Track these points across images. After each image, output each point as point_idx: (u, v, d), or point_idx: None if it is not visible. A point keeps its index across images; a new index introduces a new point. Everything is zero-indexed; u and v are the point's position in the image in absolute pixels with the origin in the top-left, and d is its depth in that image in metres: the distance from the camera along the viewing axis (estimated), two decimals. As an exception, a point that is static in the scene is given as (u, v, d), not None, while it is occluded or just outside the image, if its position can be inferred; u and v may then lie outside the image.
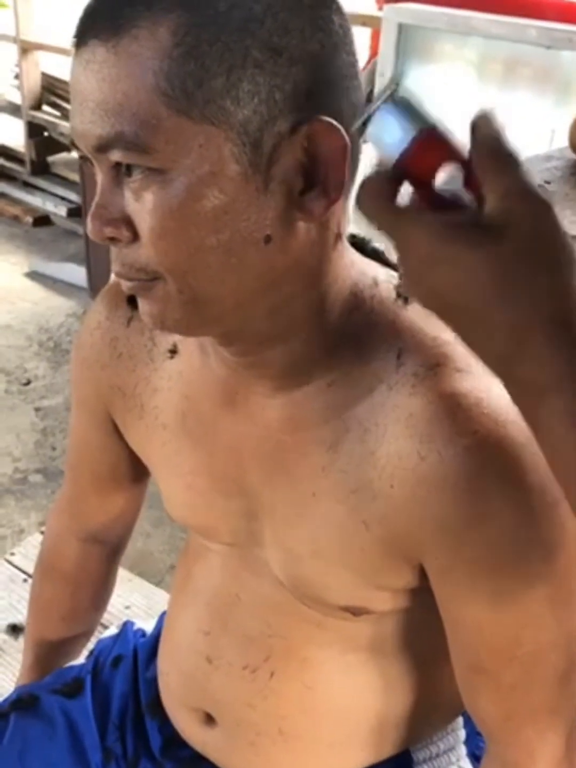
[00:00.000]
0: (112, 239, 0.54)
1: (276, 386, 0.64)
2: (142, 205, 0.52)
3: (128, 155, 0.50)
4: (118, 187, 0.53)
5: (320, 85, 0.51)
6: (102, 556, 0.97)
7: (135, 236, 0.53)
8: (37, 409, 2.64)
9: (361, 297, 0.61)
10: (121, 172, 0.52)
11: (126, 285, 0.57)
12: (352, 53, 0.54)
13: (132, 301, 0.70)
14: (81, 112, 0.52)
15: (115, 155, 0.51)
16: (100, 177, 0.53)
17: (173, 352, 0.72)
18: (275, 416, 0.65)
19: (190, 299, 0.55)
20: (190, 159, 0.50)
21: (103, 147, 0.51)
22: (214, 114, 0.49)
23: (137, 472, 0.86)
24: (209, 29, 0.49)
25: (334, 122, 0.50)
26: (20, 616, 1.27)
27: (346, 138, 0.51)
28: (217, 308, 0.56)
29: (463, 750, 0.85)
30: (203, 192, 0.51)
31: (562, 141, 1.83)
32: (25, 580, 1.36)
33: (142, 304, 0.58)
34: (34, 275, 3.53)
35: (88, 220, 0.53)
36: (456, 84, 2.85)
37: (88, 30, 0.51)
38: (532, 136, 2.43)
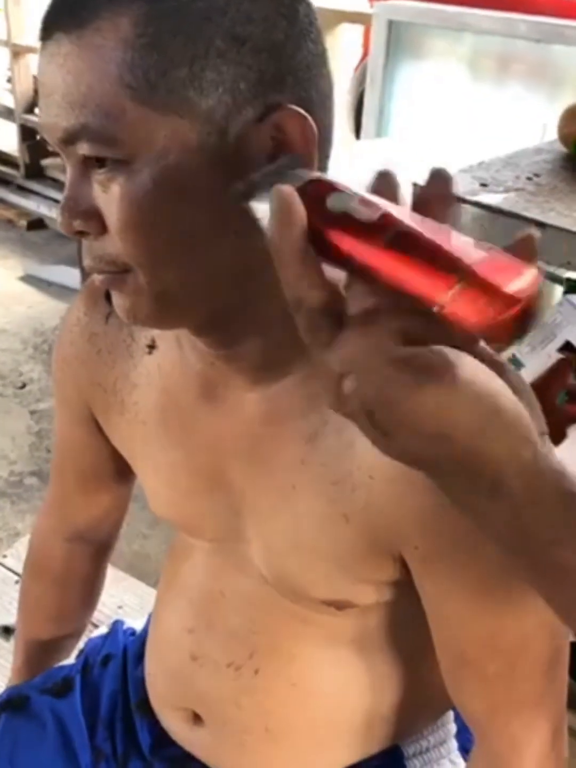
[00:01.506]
0: (82, 232, 0.53)
1: (254, 379, 0.63)
2: (109, 196, 0.52)
3: (94, 147, 0.50)
4: (86, 179, 0.53)
5: (286, 74, 0.51)
6: (89, 556, 0.97)
7: (104, 229, 0.53)
8: (32, 412, 2.64)
9: None
10: (89, 164, 0.52)
11: (98, 279, 0.57)
12: (318, 42, 0.53)
13: (110, 298, 0.69)
14: (47, 105, 0.52)
15: (82, 148, 0.51)
16: (68, 170, 0.53)
17: (152, 347, 0.71)
18: (254, 410, 0.65)
19: (160, 291, 0.54)
20: (155, 150, 0.50)
21: (69, 139, 0.51)
22: (178, 104, 0.49)
23: (122, 470, 0.85)
24: (171, 20, 0.49)
25: (301, 111, 0.50)
26: (12, 618, 1.27)
27: (315, 126, 0.50)
28: (189, 300, 0.56)
29: (453, 744, 0.85)
30: (170, 183, 0.50)
31: (553, 135, 1.83)
32: (16, 582, 1.35)
33: (115, 298, 0.58)
34: (28, 279, 3.52)
35: (58, 213, 0.53)
36: (448, 81, 2.85)
37: (53, 23, 0.51)
38: (525, 131, 2.43)
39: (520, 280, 0.34)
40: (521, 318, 0.34)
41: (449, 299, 0.34)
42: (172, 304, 0.56)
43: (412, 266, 0.34)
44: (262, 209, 0.40)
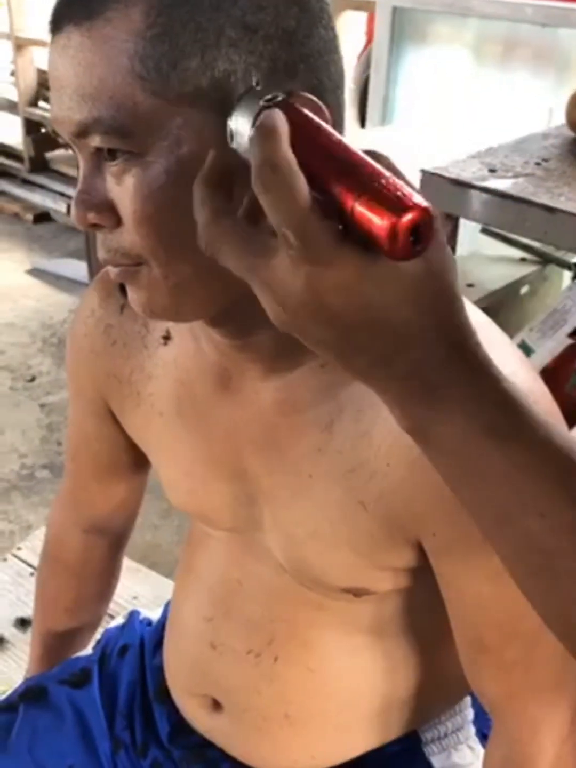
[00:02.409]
0: (96, 225, 0.53)
1: (269, 369, 0.63)
2: (123, 189, 0.51)
3: (107, 140, 0.50)
4: (99, 172, 0.52)
5: (298, 61, 0.51)
6: (106, 547, 0.97)
7: (118, 221, 0.53)
8: (42, 405, 2.65)
9: None
10: (102, 157, 0.52)
11: (113, 272, 0.57)
12: (329, 27, 0.53)
13: (124, 289, 0.69)
14: (59, 98, 0.51)
15: (95, 140, 0.51)
16: (81, 163, 0.53)
17: (167, 338, 0.71)
18: (269, 399, 0.65)
19: (175, 284, 0.54)
20: (168, 141, 0.50)
21: (82, 132, 0.51)
22: (190, 95, 0.49)
23: (137, 460, 0.86)
24: (182, 9, 0.48)
25: (314, 98, 0.49)
26: (28, 610, 1.28)
27: (328, 113, 0.50)
28: (204, 292, 0.56)
29: (471, 729, 0.85)
30: (183, 174, 0.50)
31: (560, 119, 1.82)
32: (32, 574, 1.36)
33: (130, 293, 0.58)
34: (35, 272, 3.53)
35: (72, 206, 0.53)
36: (453, 67, 2.83)
37: (64, 15, 0.51)
38: (531, 116, 2.42)
39: (417, 195, 0.38)
40: (419, 226, 0.38)
41: (356, 203, 0.39)
42: (187, 296, 0.56)
43: (329, 171, 0.40)
44: (239, 123, 0.45)
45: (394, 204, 0.38)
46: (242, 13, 0.49)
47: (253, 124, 0.43)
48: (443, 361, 0.42)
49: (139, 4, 0.48)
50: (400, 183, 0.39)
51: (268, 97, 0.44)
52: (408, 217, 0.38)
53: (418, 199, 0.38)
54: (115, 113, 0.49)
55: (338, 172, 0.40)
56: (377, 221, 0.38)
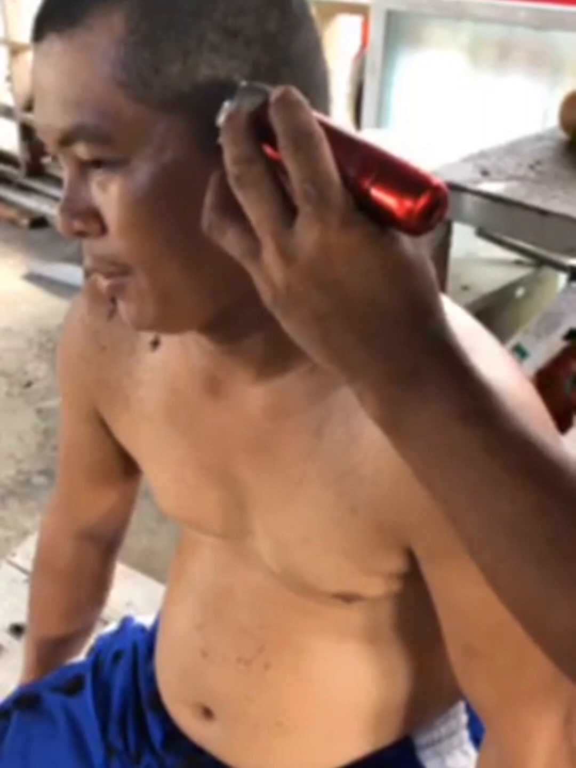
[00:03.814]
0: (81, 233, 0.53)
1: (258, 373, 0.63)
2: (108, 196, 0.51)
3: (91, 147, 0.50)
4: (84, 179, 0.52)
5: (281, 65, 0.50)
6: (98, 553, 0.97)
7: (104, 229, 0.53)
8: (38, 411, 2.64)
9: None
10: (86, 164, 0.52)
11: (102, 284, 0.57)
12: (312, 31, 0.53)
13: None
14: (43, 106, 0.51)
15: (79, 148, 0.51)
16: (66, 170, 0.53)
17: (156, 343, 0.71)
18: (259, 404, 0.65)
19: (163, 292, 0.54)
20: (152, 147, 0.50)
21: (65, 140, 0.51)
22: (173, 100, 0.49)
23: (128, 466, 0.85)
24: (163, 15, 0.48)
25: None
26: (23, 617, 1.27)
27: None
28: (192, 300, 0.56)
29: (465, 734, 0.85)
30: (168, 180, 0.50)
31: (554, 121, 1.82)
32: (26, 581, 1.35)
33: (120, 305, 0.57)
34: (32, 277, 3.53)
35: (57, 214, 0.53)
36: (448, 70, 2.84)
37: (45, 23, 0.51)
38: (526, 119, 2.42)
39: (428, 173, 0.42)
40: (433, 204, 0.41)
41: (373, 181, 0.42)
42: (175, 305, 0.55)
43: (341, 153, 0.43)
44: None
45: (413, 182, 0.41)
46: (223, 17, 0.49)
47: (259, 106, 0.44)
48: (424, 346, 0.45)
49: (120, 11, 0.48)
50: (412, 163, 0.42)
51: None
52: (427, 195, 0.41)
53: (433, 178, 0.42)
54: (98, 120, 0.49)
55: (350, 154, 0.43)
56: (396, 198, 0.41)
